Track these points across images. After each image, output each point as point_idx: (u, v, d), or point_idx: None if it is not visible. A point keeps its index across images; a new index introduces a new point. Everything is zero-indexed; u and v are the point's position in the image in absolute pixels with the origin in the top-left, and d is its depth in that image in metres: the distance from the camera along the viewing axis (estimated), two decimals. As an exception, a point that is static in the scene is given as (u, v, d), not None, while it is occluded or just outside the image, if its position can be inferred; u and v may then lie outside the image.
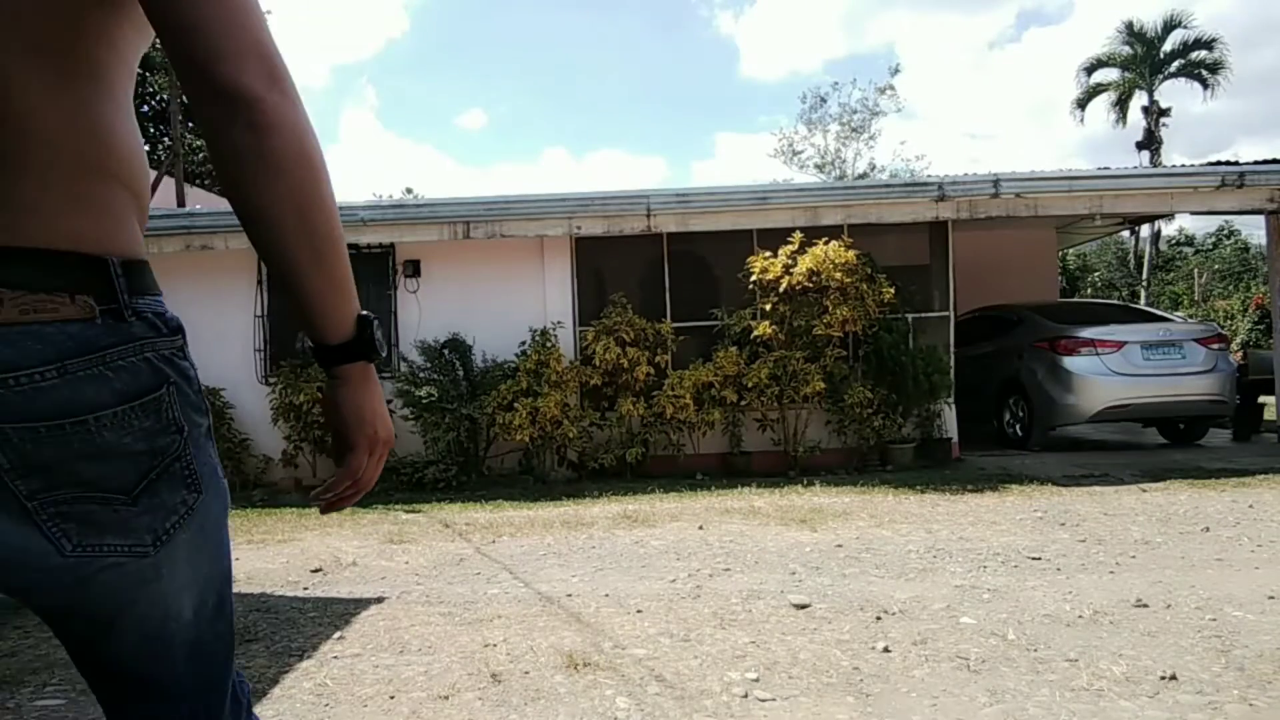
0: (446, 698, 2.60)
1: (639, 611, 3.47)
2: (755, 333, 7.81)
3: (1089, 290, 29.32)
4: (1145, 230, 24.89)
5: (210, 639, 0.97)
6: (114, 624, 0.89)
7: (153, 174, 13.03)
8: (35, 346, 0.78)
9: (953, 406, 8.34)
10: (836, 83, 35.30)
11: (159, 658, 0.93)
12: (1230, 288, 31.25)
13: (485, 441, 7.85)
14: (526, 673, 2.79)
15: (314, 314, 0.90)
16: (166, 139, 19.89)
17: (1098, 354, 8.33)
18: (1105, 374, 8.27)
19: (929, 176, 8.57)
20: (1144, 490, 6.20)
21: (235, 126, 0.80)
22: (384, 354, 0.97)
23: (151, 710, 0.95)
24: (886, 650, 2.90)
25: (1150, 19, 29.67)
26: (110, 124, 0.85)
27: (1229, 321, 19.93)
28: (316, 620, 3.52)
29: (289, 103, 0.82)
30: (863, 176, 24.59)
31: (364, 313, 0.94)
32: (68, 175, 0.82)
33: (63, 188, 0.81)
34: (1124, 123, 25.22)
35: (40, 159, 0.80)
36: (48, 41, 0.80)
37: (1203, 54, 23.85)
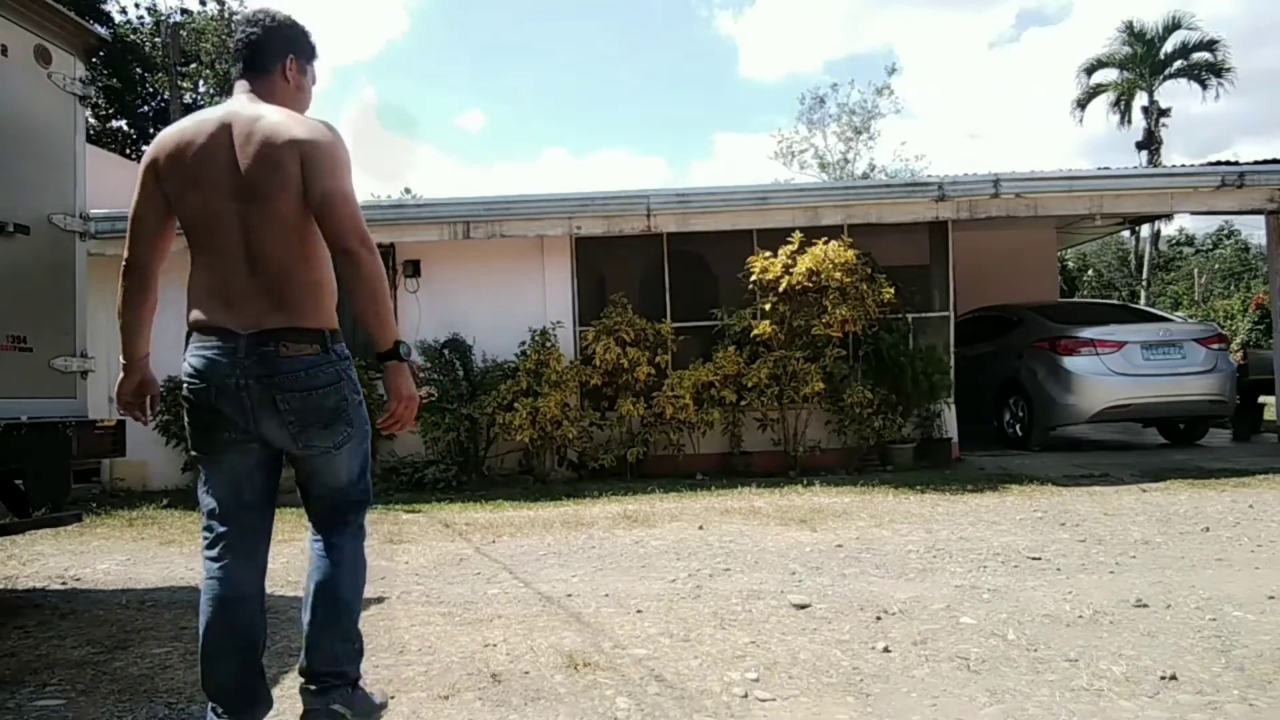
0: (446, 698, 2.60)
1: (639, 611, 3.47)
2: (755, 333, 7.81)
3: (1085, 290, 29.31)
4: (1145, 230, 24.87)
5: (357, 489, 2.30)
6: (316, 473, 2.23)
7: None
8: (300, 364, 2.07)
9: (953, 406, 8.34)
10: (835, 84, 35.36)
11: (334, 489, 2.26)
12: (1230, 288, 31.26)
13: (485, 441, 7.85)
14: (526, 673, 2.79)
15: (374, 338, 2.09)
16: (166, 139, 19.85)
17: (1098, 354, 8.33)
18: (1105, 374, 8.27)
19: (929, 176, 8.56)
20: (1144, 490, 6.20)
21: (350, 265, 2.03)
22: (408, 357, 2.16)
23: (327, 507, 2.28)
24: (886, 650, 2.90)
25: (1150, 19, 29.64)
26: (326, 272, 2.15)
27: (1229, 321, 19.93)
28: (316, 620, 3.52)
29: (370, 254, 2.04)
30: (864, 177, 24.59)
31: (399, 340, 2.12)
32: (311, 297, 2.10)
33: (310, 303, 2.09)
34: (1128, 123, 25.18)
35: (301, 291, 2.09)
36: (299, 249, 2.09)
37: (1204, 56, 23.82)
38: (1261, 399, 9.83)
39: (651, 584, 3.94)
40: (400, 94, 78.50)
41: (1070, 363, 8.39)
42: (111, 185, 10.75)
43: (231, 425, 2.10)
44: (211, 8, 24.42)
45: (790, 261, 7.70)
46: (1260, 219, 8.95)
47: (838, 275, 7.57)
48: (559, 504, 6.44)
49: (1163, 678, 2.57)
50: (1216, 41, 23.61)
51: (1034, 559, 4.19)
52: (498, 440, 7.79)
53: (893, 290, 7.80)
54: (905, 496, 6.25)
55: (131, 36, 22.34)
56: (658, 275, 8.56)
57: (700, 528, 5.28)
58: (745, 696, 2.54)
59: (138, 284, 2.16)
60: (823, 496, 6.38)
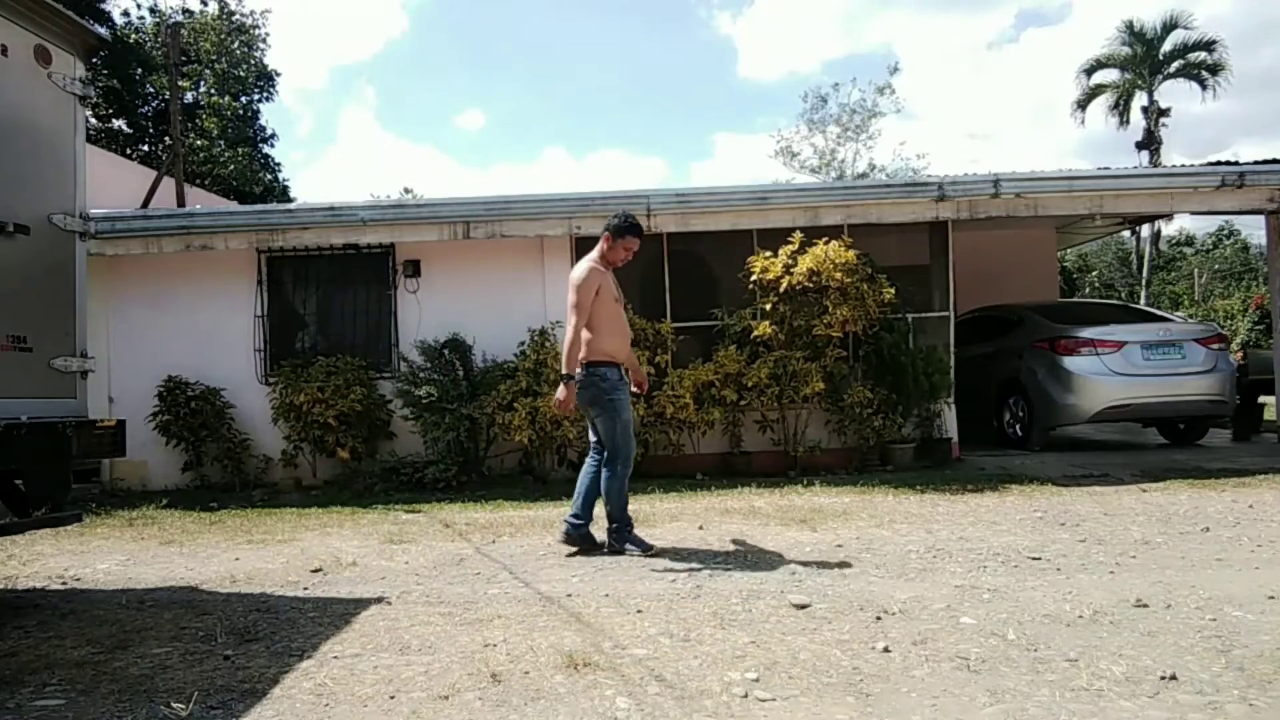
0: (446, 698, 2.60)
1: (639, 611, 3.47)
2: (755, 332, 7.80)
3: (1086, 290, 29.30)
4: (1145, 230, 24.87)
5: (610, 442, 4.62)
6: (595, 426, 4.74)
7: (152, 174, 13.00)
8: (579, 377, 4.64)
9: (953, 406, 8.34)
10: (836, 83, 35.36)
11: (600, 437, 4.70)
12: (1230, 288, 31.26)
13: (485, 441, 7.84)
14: (526, 673, 2.79)
15: (564, 366, 4.63)
16: (166, 139, 19.86)
17: (1098, 354, 8.32)
18: (1105, 374, 8.27)
19: (929, 176, 8.55)
20: (1144, 490, 6.20)
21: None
22: (569, 381, 4.56)
23: (601, 444, 4.71)
24: (886, 650, 2.90)
25: (1149, 19, 29.69)
26: (591, 336, 4.62)
27: (1229, 321, 19.92)
28: (316, 620, 3.52)
29: (570, 326, 4.59)
30: (863, 176, 24.59)
31: (567, 373, 4.58)
32: (592, 350, 4.62)
33: (584, 349, 4.69)
34: (1126, 123, 25.19)
35: (582, 344, 4.62)
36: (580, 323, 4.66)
37: (1202, 55, 23.85)
38: (1261, 399, 9.83)
39: (651, 584, 3.94)
40: (400, 94, 78.45)
41: (1070, 363, 8.39)
42: (111, 185, 10.76)
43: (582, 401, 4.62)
44: (213, 8, 24.45)
45: (791, 261, 7.70)
46: (1260, 219, 8.95)
47: (838, 275, 7.57)
48: (559, 504, 6.43)
49: (1163, 678, 2.57)
50: (1215, 41, 23.65)
51: (1034, 559, 4.19)
52: (497, 440, 7.78)
53: (893, 290, 7.80)
54: (905, 496, 6.25)
55: (132, 37, 22.35)
56: (657, 275, 8.55)
57: (700, 528, 5.28)
58: (745, 696, 2.54)
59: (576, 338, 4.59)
60: (823, 496, 6.38)
